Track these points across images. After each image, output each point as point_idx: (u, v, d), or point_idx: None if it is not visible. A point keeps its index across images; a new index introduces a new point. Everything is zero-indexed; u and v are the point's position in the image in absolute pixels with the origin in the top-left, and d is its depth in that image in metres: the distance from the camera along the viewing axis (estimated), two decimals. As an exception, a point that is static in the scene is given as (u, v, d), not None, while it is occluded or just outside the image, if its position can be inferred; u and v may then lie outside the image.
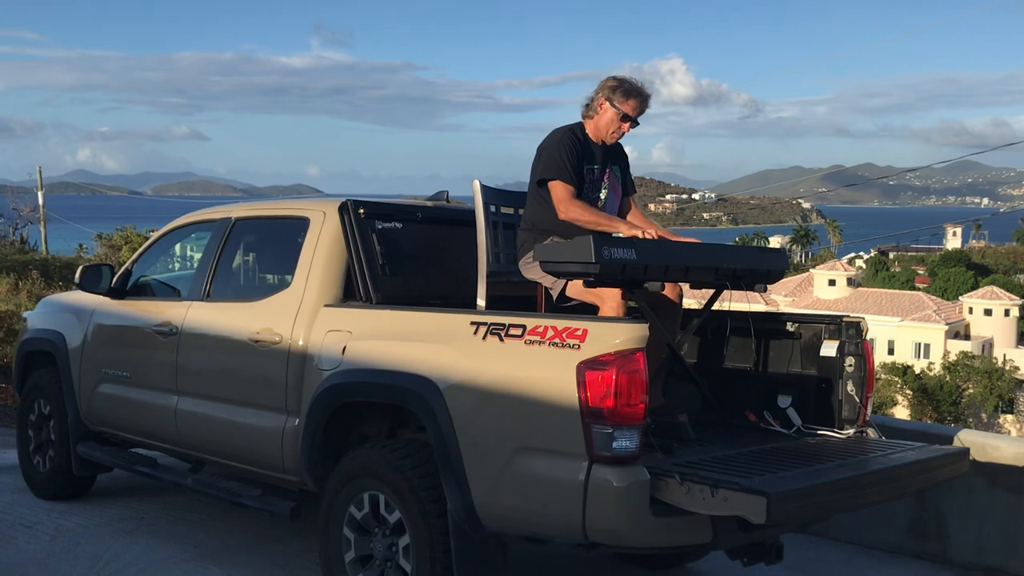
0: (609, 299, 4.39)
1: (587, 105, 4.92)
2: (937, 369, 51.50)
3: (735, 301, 4.87)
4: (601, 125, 4.87)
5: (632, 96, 4.82)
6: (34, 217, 35.45)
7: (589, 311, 4.47)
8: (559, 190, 4.72)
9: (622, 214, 5.07)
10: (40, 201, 35.42)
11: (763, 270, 4.79)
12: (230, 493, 5.23)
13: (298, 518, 4.91)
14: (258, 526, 6.01)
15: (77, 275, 6.23)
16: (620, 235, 4.52)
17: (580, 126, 4.93)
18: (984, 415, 52.03)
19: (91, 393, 6.21)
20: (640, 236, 4.48)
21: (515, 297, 4.86)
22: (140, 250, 6.44)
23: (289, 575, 5.26)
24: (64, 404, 6.41)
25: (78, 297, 6.54)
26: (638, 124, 4.92)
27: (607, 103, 4.84)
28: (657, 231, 4.63)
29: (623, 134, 4.92)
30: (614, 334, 3.71)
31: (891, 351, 58.28)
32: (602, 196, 4.94)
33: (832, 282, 68.31)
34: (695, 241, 4.72)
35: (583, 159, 4.82)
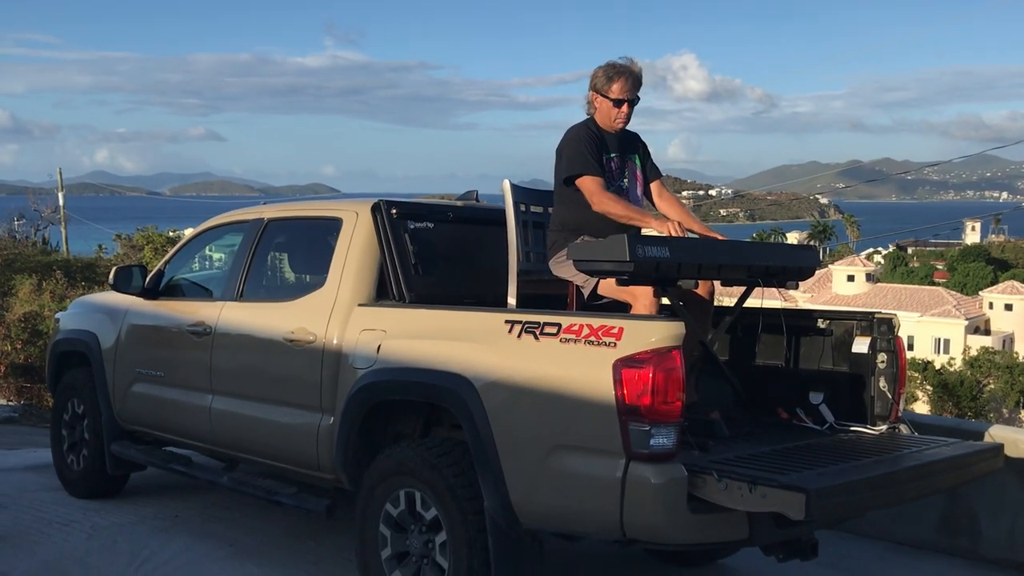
0: (642, 297, 4.41)
1: (587, 103, 4.93)
2: (958, 364, 51.20)
3: (761, 298, 4.89)
4: (603, 116, 4.88)
5: (615, 78, 4.79)
6: (55, 218, 35.74)
7: (619, 309, 4.49)
8: (589, 184, 4.73)
9: (650, 200, 5.08)
10: (61, 202, 35.70)
11: (795, 267, 4.80)
12: (266, 491, 5.28)
13: (334, 515, 4.96)
14: (292, 523, 6.07)
15: (111, 276, 6.29)
16: (651, 231, 4.54)
17: (591, 121, 4.94)
18: (1005, 410, 51.69)
19: (125, 392, 6.28)
20: (671, 232, 4.49)
21: (545, 296, 4.88)
22: (173, 251, 6.50)
23: (324, 572, 5.31)
24: (98, 403, 6.49)
25: (111, 297, 6.61)
26: (638, 100, 4.87)
27: (597, 95, 4.84)
28: (688, 223, 4.64)
29: (627, 117, 4.88)
30: (651, 332, 3.73)
31: (911, 347, 57.96)
32: (624, 184, 4.96)
33: (851, 278, 67.98)
34: (722, 238, 4.73)
35: (602, 150, 4.85)
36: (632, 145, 5.04)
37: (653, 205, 5.14)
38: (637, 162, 5.05)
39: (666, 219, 4.66)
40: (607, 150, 4.89)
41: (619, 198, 4.77)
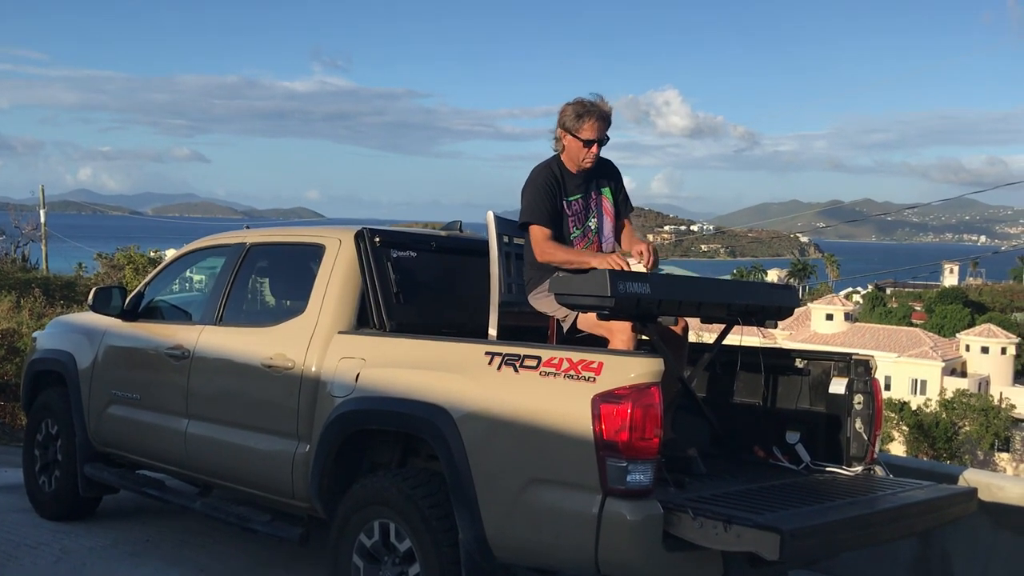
0: (620, 332, 4.42)
1: (555, 139, 4.91)
2: (933, 406, 51.45)
3: (740, 335, 4.91)
4: (572, 155, 4.86)
5: (585, 118, 4.75)
6: (36, 235, 35.52)
7: (598, 343, 4.50)
8: (535, 233, 4.79)
9: (617, 236, 5.05)
10: (42, 219, 35.50)
11: (774, 306, 4.83)
12: (239, 518, 5.24)
13: (307, 544, 4.92)
14: (264, 551, 6.01)
15: (90, 296, 6.26)
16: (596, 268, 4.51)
17: (557, 160, 4.93)
18: (980, 453, 51.94)
19: (100, 414, 6.23)
20: (612, 266, 4.43)
21: (527, 328, 4.90)
22: (153, 273, 6.48)
23: (295, 601, 5.27)
24: (72, 424, 6.43)
25: (89, 318, 6.57)
26: (608, 140, 4.83)
27: (567, 133, 4.82)
28: (618, 261, 4.55)
29: (596, 158, 4.84)
30: (630, 368, 3.74)
31: (888, 387, 58.24)
32: (592, 226, 4.96)
33: (830, 316, 68.35)
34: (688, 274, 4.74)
35: (560, 195, 4.84)
36: (603, 175, 5.00)
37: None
38: (608, 194, 5.03)
39: (606, 258, 4.61)
40: (568, 193, 4.88)
41: (560, 245, 4.78)
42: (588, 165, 4.88)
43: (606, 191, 5.03)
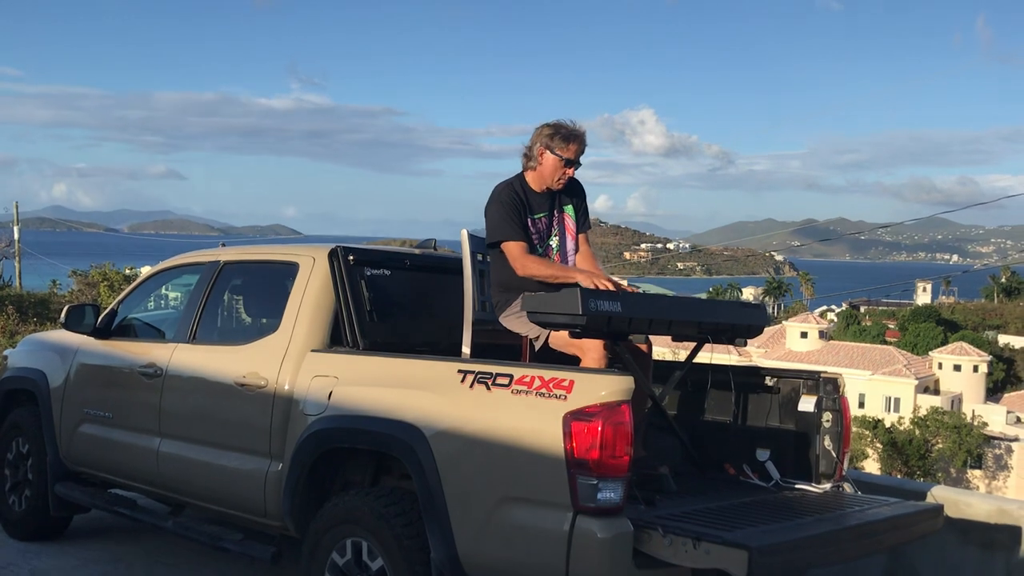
0: (590, 351, 4.45)
1: (526, 156, 4.95)
2: (907, 423, 51.83)
3: (711, 353, 4.96)
4: (545, 174, 4.91)
5: (572, 140, 4.87)
6: (9, 252, 35.22)
7: (570, 362, 4.53)
8: (512, 249, 4.79)
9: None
10: (16, 236, 35.21)
11: (744, 325, 4.89)
12: (211, 537, 5.22)
13: (279, 563, 4.91)
14: (236, 570, 5.99)
15: (62, 314, 6.24)
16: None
17: (519, 179, 4.97)
18: (953, 470, 52.33)
19: (72, 433, 6.19)
20: (597, 286, 4.49)
21: (500, 345, 4.92)
22: (127, 291, 6.47)
23: (267, 620, 5.25)
24: (43, 443, 6.38)
25: (61, 336, 6.55)
26: (580, 165, 4.95)
27: (547, 151, 4.88)
28: (607, 281, 4.64)
29: (568, 178, 4.94)
30: (600, 386, 3.77)
31: (861, 404, 58.63)
32: (553, 244, 4.99)
33: (804, 335, 68.80)
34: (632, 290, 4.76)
35: (526, 213, 4.88)
36: (566, 192, 5.03)
37: None
38: (570, 211, 5.07)
39: (592, 274, 4.68)
40: (532, 211, 4.91)
41: (542, 259, 4.83)
42: (560, 185, 4.93)
43: (568, 208, 5.07)
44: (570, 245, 5.04)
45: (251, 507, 4.99)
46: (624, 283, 4.74)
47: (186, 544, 6.25)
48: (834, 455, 4.82)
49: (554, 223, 5.00)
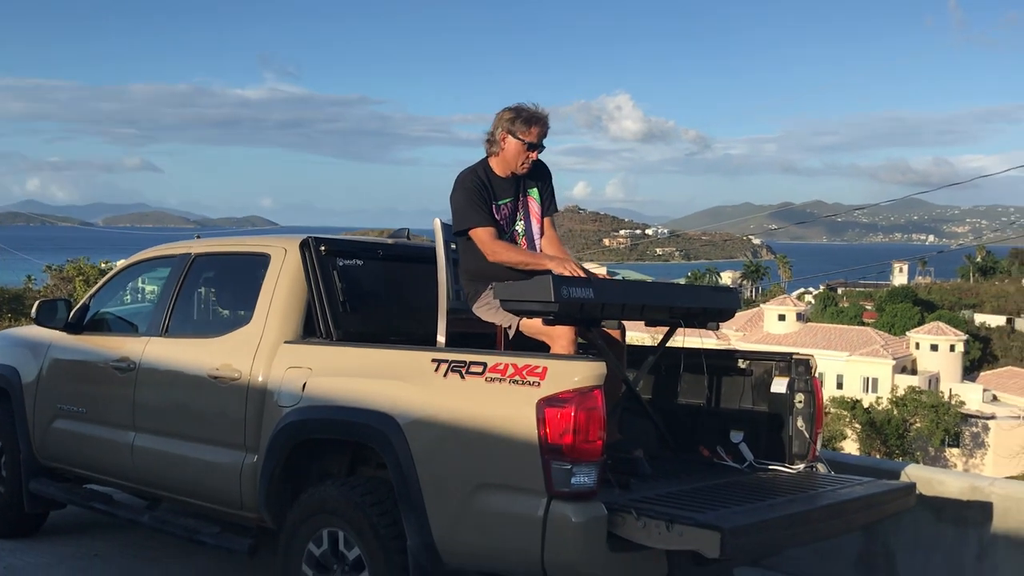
0: (559, 338, 4.44)
1: (489, 141, 4.91)
2: (885, 403, 52.29)
3: (688, 337, 4.98)
4: (509, 158, 4.87)
5: (533, 124, 4.82)
6: (-19, 248, 34.89)
7: (544, 349, 4.54)
8: (481, 235, 4.75)
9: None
10: (-12, 232, 34.91)
11: (716, 309, 4.91)
12: (187, 530, 5.21)
13: (256, 555, 4.90)
14: (214, 563, 5.98)
15: (34, 310, 6.19)
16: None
17: (483, 164, 4.93)
18: (931, 448, 52.87)
19: (45, 429, 6.15)
20: (569, 273, 4.47)
21: (475, 334, 4.92)
22: (97, 285, 6.42)
23: (246, 612, 5.25)
24: (17, 439, 6.33)
25: (34, 332, 6.50)
26: (544, 148, 4.91)
27: (509, 136, 4.83)
28: (576, 267, 4.61)
29: (532, 161, 4.89)
30: (573, 372, 3.79)
31: (840, 385, 59.10)
32: (519, 229, 4.97)
33: (782, 317, 69.22)
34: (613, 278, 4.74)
35: (491, 199, 4.84)
36: (532, 175, 4.98)
37: None
38: (535, 195, 5.02)
39: (563, 261, 4.66)
40: (496, 197, 4.87)
41: (512, 245, 4.81)
42: (525, 170, 4.90)
43: (533, 192, 5.02)
44: (535, 229, 5.00)
45: (227, 500, 4.98)
46: (603, 270, 4.74)
47: (163, 538, 6.21)
48: (807, 436, 4.86)
49: (519, 207, 4.98)
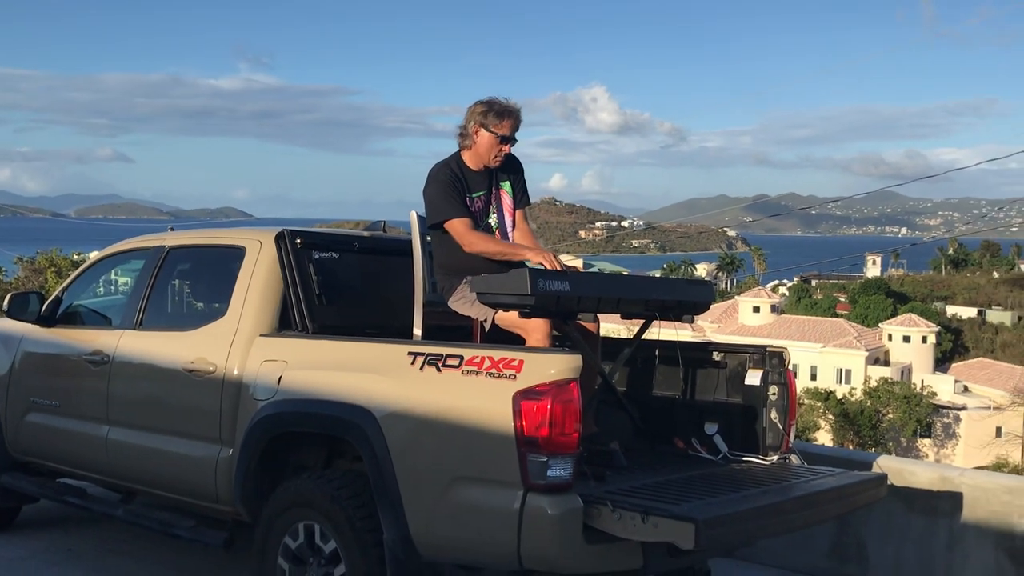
0: (534, 331, 4.44)
1: (461, 135, 4.90)
2: (858, 394, 52.72)
3: (663, 329, 5.01)
4: (481, 152, 4.87)
5: (506, 117, 4.83)
6: (-49, 240, 34.46)
7: (520, 341, 4.55)
8: (457, 226, 4.74)
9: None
10: (-42, 223, 34.48)
11: (690, 301, 4.94)
12: (163, 524, 5.19)
13: (232, 549, 4.90)
14: (189, 557, 5.96)
15: (5, 302, 6.14)
16: (531, 263, 4.56)
17: (456, 158, 4.93)
18: (903, 439, 53.37)
19: (18, 422, 6.11)
20: (546, 264, 4.49)
21: (451, 327, 4.93)
22: (71, 278, 6.38)
23: (221, 606, 5.24)
24: (-11, 434, 6.29)
25: (5, 325, 6.44)
26: (516, 141, 4.92)
27: (482, 129, 4.83)
28: (552, 259, 4.60)
29: (504, 155, 4.90)
30: (549, 365, 3.81)
31: (813, 376, 59.50)
32: (492, 222, 4.97)
33: (756, 309, 69.56)
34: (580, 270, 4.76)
35: (464, 192, 4.85)
36: (504, 169, 4.99)
37: None
38: (507, 188, 5.03)
39: (540, 251, 4.67)
40: (470, 190, 4.88)
41: (489, 236, 4.81)
42: (497, 163, 4.90)
43: (505, 185, 5.03)
44: (508, 222, 5.01)
45: (202, 493, 4.96)
46: (579, 262, 4.75)
47: (138, 532, 6.18)
48: (780, 427, 4.90)
49: (492, 201, 4.98)
